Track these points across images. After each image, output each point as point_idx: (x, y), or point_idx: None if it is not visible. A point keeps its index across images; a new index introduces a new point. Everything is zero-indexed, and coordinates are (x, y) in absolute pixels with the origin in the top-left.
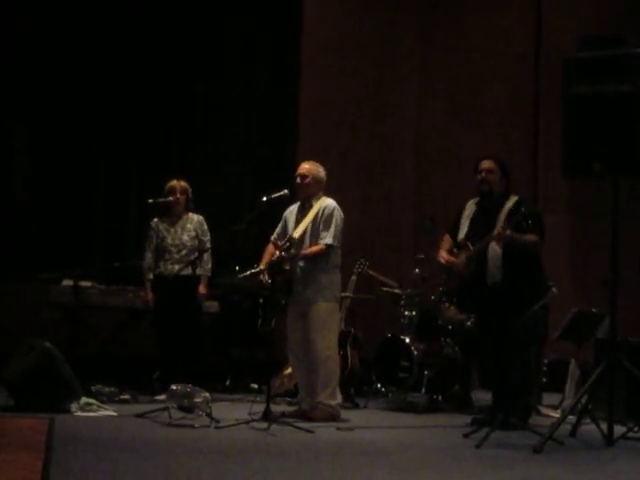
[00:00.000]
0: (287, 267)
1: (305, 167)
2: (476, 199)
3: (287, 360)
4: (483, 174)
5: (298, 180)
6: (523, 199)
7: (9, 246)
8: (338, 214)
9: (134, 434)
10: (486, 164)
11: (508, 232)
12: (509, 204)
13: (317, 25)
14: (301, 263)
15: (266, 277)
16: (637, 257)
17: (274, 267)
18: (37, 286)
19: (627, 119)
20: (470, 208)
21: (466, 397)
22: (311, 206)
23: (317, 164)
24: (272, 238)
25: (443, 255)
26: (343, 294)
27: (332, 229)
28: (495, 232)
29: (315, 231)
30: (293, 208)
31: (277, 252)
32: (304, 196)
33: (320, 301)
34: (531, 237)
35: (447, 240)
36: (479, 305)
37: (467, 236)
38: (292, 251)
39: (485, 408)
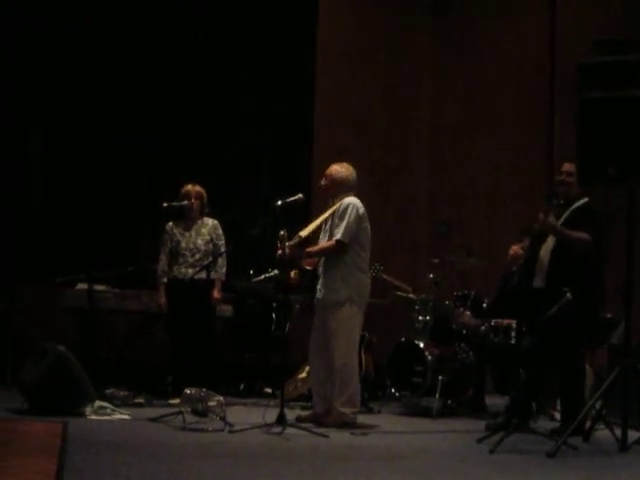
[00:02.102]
0: (308, 267)
1: (329, 169)
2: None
3: (301, 364)
4: (563, 176)
5: (321, 182)
6: (591, 202)
7: (24, 250)
8: (353, 210)
9: (148, 438)
10: (567, 166)
11: (551, 219)
12: (577, 204)
13: (332, 27)
14: (321, 262)
15: (295, 276)
16: None
17: (285, 266)
18: (52, 290)
19: None
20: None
21: (480, 402)
22: (333, 206)
23: (343, 165)
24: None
25: (513, 247)
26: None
27: (343, 225)
28: (539, 223)
29: (331, 229)
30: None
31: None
32: (327, 197)
33: (336, 302)
34: (580, 234)
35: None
36: (519, 309)
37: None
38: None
39: (502, 412)
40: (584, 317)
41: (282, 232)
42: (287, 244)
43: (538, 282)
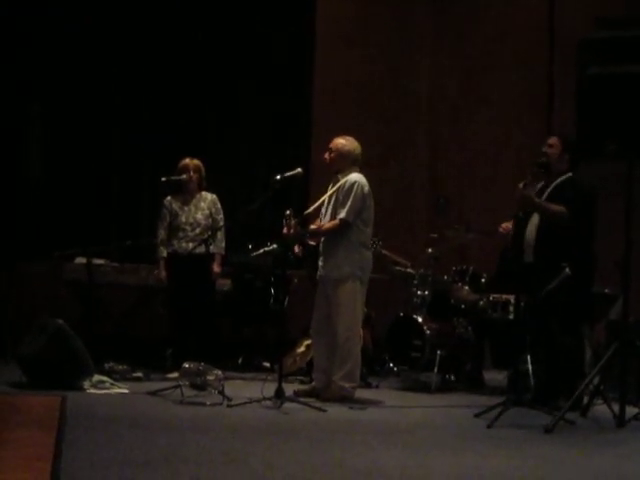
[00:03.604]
0: (312, 242)
1: (333, 141)
2: None
3: (300, 339)
4: (544, 148)
5: (326, 155)
6: (575, 176)
7: (23, 224)
8: (359, 189)
9: (146, 412)
10: (549, 139)
11: (528, 192)
12: (561, 179)
13: (332, 7)
14: (323, 239)
15: (299, 250)
16: None
17: (288, 243)
18: (50, 264)
19: None
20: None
21: (478, 377)
22: (338, 181)
23: (348, 138)
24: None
25: (502, 224)
26: None
27: (349, 204)
28: (516, 194)
29: (336, 205)
30: (330, 185)
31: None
32: (332, 171)
33: (338, 278)
34: (556, 206)
35: None
36: (514, 284)
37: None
38: (312, 226)
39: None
40: (578, 291)
41: (288, 211)
42: (293, 222)
43: (528, 258)
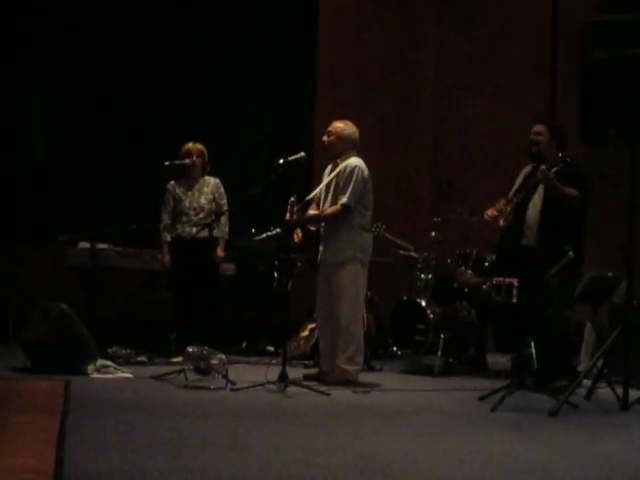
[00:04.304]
0: (312, 227)
1: (332, 125)
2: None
3: (303, 323)
4: (531, 136)
5: (324, 137)
6: (574, 162)
7: (26, 209)
8: (359, 173)
9: (150, 396)
10: (535, 127)
11: (551, 175)
12: (559, 166)
13: None
14: (323, 224)
15: (298, 235)
16: None
17: (290, 229)
18: (54, 249)
19: None
20: (526, 170)
21: (481, 360)
22: (337, 165)
23: (347, 122)
24: (315, 197)
25: (486, 212)
26: None
27: (350, 189)
28: (539, 172)
29: (336, 191)
30: (329, 168)
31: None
32: (331, 155)
33: (340, 262)
34: (571, 190)
35: (500, 200)
36: (513, 267)
37: (516, 191)
38: (311, 211)
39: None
40: (573, 273)
41: (292, 198)
42: (296, 208)
43: (527, 241)
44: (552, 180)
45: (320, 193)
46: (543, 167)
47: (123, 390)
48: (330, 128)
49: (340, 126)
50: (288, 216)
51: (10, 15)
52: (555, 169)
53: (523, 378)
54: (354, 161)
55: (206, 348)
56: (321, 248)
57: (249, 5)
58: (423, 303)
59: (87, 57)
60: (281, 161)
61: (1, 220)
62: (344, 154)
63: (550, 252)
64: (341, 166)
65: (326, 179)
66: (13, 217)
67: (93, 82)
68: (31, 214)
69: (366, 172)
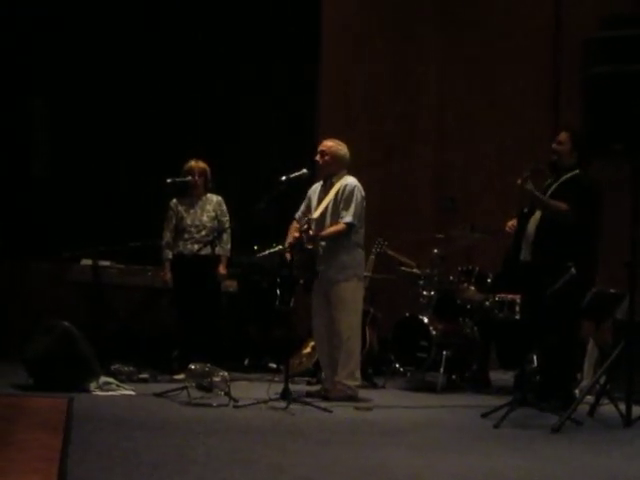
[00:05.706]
0: (310, 246)
1: (325, 144)
2: None
3: (306, 339)
4: (553, 145)
5: (317, 157)
6: (582, 174)
7: (28, 225)
8: (358, 192)
9: (153, 413)
10: (559, 136)
11: (529, 187)
12: (568, 175)
13: (338, 4)
14: (323, 242)
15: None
16: None
17: (294, 248)
18: (56, 265)
19: None
20: (549, 180)
21: (484, 377)
22: (332, 184)
23: (339, 142)
24: (296, 216)
25: (508, 223)
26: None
27: (352, 208)
28: (514, 185)
29: (335, 210)
30: (316, 187)
31: (297, 233)
32: (324, 174)
33: (343, 280)
34: (558, 203)
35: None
36: (511, 283)
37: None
38: (311, 232)
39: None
40: (579, 291)
41: (307, 219)
42: (305, 228)
43: (525, 255)
44: (532, 192)
45: (308, 210)
46: (518, 182)
47: (126, 407)
48: (323, 148)
49: (334, 146)
50: (297, 235)
51: (13, 28)
52: (561, 179)
53: (526, 395)
54: (351, 180)
55: (208, 365)
56: (321, 267)
57: (252, 22)
58: (425, 320)
59: (91, 72)
60: (284, 178)
61: (4, 236)
62: (338, 173)
63: (547, 267)
64: (338, 185)
65: (326, 198)
66: (16, 233)
67: (96, 97)
68: (33, 230)
69: (363, 191)
